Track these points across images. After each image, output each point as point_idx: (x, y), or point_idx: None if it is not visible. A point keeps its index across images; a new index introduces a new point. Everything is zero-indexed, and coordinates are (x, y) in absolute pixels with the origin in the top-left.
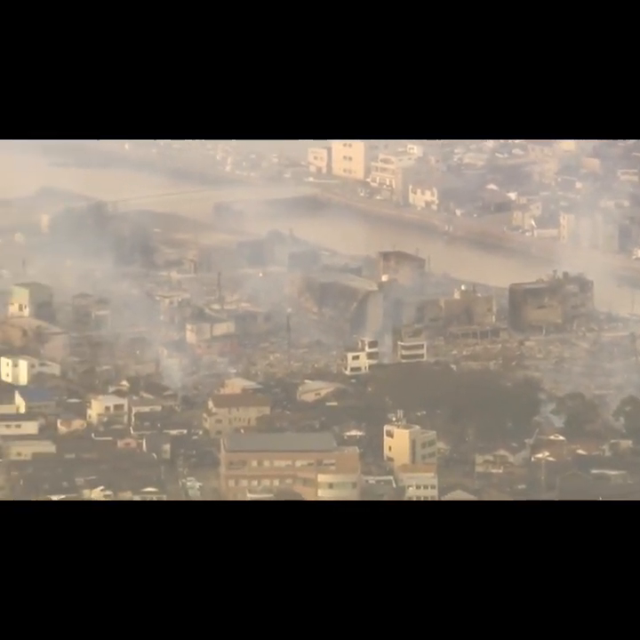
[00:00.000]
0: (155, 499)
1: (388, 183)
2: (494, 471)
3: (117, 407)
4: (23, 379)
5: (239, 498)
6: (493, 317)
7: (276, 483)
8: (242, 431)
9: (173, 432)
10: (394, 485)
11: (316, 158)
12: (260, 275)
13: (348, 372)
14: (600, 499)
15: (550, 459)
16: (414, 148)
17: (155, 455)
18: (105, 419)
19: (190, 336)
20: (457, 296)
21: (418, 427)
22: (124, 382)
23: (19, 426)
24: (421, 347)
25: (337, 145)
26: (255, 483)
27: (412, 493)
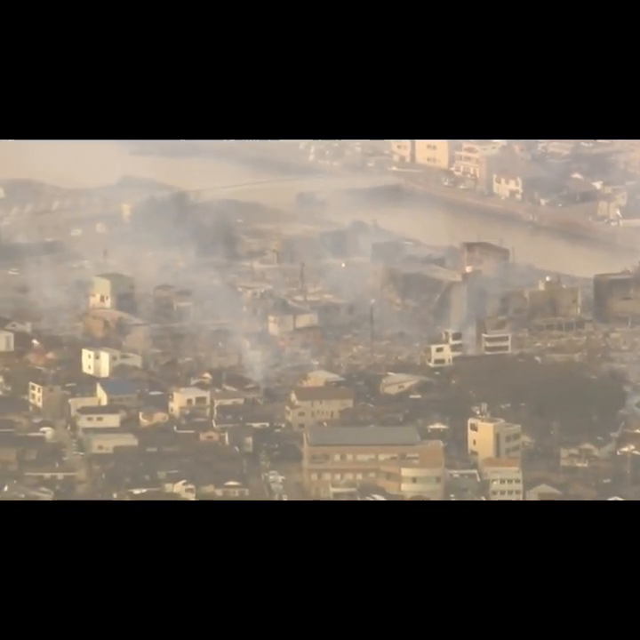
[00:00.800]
0: (237, 493)
1: (471, 172)
2: (579, 465)
3: (199, 400)
4: (105, 371)
5: (322, 492)
6: (578, 309)
7: (359, 477)
8: (325, 424)
9: (256, 425)
10: (478, 479)
11: (399, 147)
12: (343, 265)
13: (431, 365)
14: None
15: (636, 452)
16: None
17: (237, 448)
18: (187, 411)
19: (273, 328)
20: (541, 287)
21: (502, 420)
22: (207, 375)
23: (100, 419)
24: (506, 339)
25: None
26: (338, 477)
27: (497, 488)
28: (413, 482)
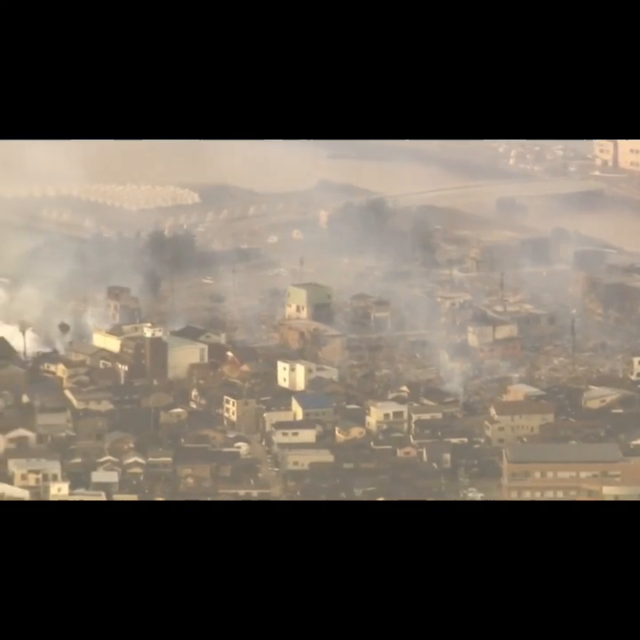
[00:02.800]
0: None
1: None
2: None
3: (397, 414)
4: (300, 384)
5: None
6: None
7: (560, 494)
8: (524, 440)
9: (454, 440)
10: None
11: (601, 151)
12: (544, 274)
13: (634, 378)
14: None
15: None
16: None
17: (435, 465)
18: (384, 426)
19: (472, 339)
20: None
21: None
22: (404, 388)
23: (296, 434)
24: None
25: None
26: (538, 494)
27: None
28: (615, 500)
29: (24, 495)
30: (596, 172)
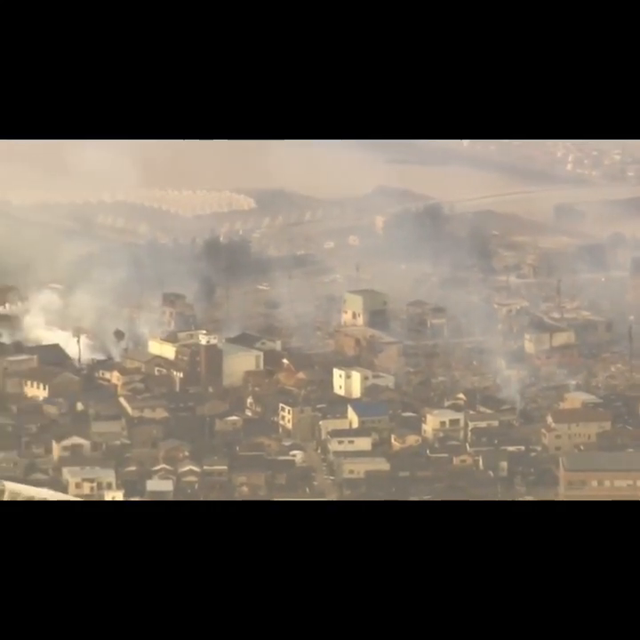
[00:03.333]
0: None
1: None
2: None
3: (453, 422)
4: (356, 391)
5: None
6: None
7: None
8: (581, 448)
9: (511, 448)
10: None
11: None
12: (602, 280)
13: None
14: None
15: None
16: None
17: (491, 473)
18: (440, 434)
19: (529, 346)
20: None
21: None
22: (461, 395)
23: (351, 442)
24: None
25: None
26: None
27: None
28: None
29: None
30: None
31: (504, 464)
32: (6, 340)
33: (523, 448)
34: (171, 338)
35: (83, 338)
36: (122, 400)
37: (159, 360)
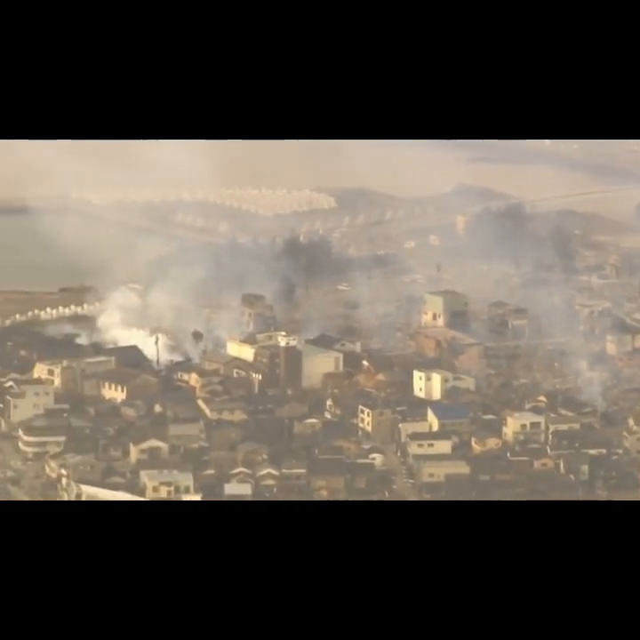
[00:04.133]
0: None
1: None
2: None
3: (534, 425)
4: (436, 393)
5: None
6: None
7: None
8: None
9: (592, 452)
10: None
11: None
12: None
13: None
14: None
15: None
16: None
17: (572, 477)
18: (521, 437)
19: (611, 348)
20: None
21: None
22: (542, 398)
23: (431, 445)
24: None
25: None
26: None
27: None
28: None
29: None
30: None
31: (585, 468)
32: (84, 341)
33: (604, 451)
34: (249, 339)
35: (161, 339)
36: (200, 402)
37: (238, 362)
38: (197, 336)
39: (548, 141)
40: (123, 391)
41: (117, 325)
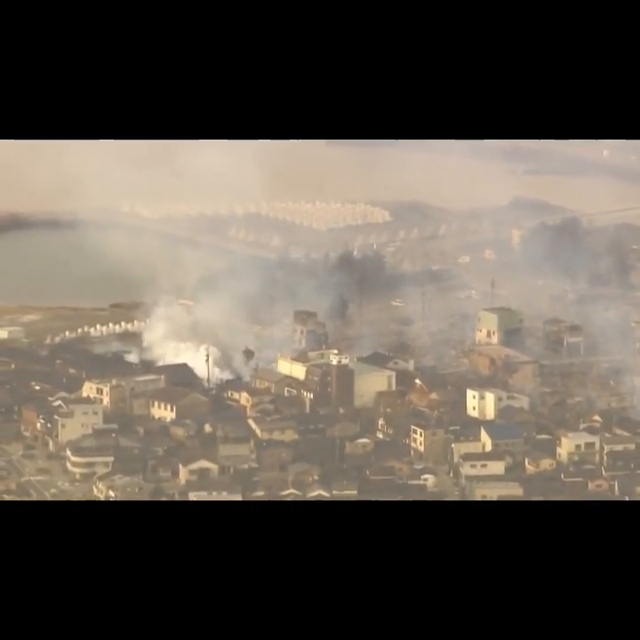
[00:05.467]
0: None
1: None
2: None
3: (588, 445)
4: (490, 413)
5: None
6: None
7: None
8: None
9: None
10: None
11: None
12: None
13: None
14: None
15: None
16: None
17: (628, 498)
18: (575, 458)
19: None
20: None
21: None
22: (597, 417)
23: (484, 466)
24: None
25: None
26: None
27: None
28: None
29: None
30: None
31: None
32: (134, 358)
33: None
34: (301, 357)
35: (211, 357)
36: (250, 422)
37: (289, 380)
38: (248, 354)
39: (605, 152)
40: (172, 410)
41: (167, 342)
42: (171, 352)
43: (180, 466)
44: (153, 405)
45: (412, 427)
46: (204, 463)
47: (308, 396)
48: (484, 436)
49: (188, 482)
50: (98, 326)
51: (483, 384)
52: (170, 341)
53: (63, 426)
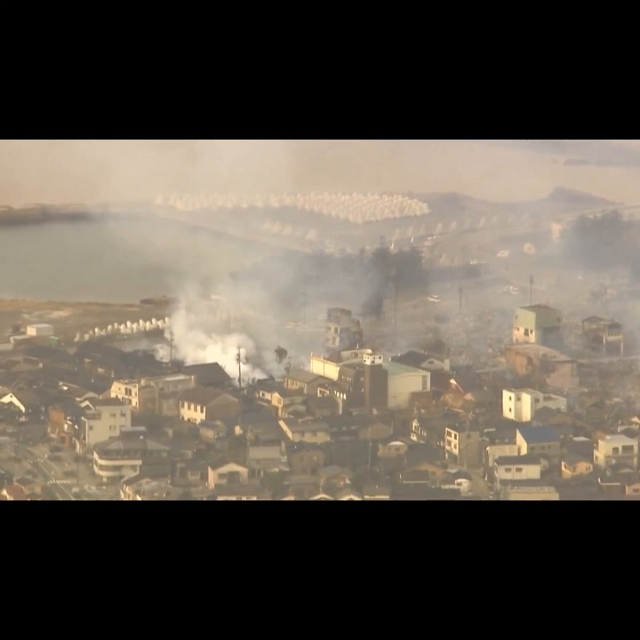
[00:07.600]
0: None
1: None
2: None
3: (626, 448)
4: (526, 415)
5: None
6: None
7: None
8: None
9: None
10: None
11: None
12: None
13: None
14: None
15: None
16: None
17: None
18: (613, 461)
19: None
20: None
21: None
22: (635, 419)
23: (520, 469)
24: None
25: None
26: None
27: None
28: None
29: None
30: None
31: None
32: (164, 356)
33: None
34: (334, 357)
35: (243, 356)
36: (282, 423)
37: (322, 380)
38: (281, 353)
39: None
40: (202, 411)
41: (198, 340)
42: (200, 349)
43: (210, 469)
44: (182, 406)
45: (447, 429)
46: (233, 467)
47: (341, 396)
48: (519, 438)
49: (218, 485)
50: (128, 323)
51: (519, 384)
52: (200, 338)
53: (91, 428)
